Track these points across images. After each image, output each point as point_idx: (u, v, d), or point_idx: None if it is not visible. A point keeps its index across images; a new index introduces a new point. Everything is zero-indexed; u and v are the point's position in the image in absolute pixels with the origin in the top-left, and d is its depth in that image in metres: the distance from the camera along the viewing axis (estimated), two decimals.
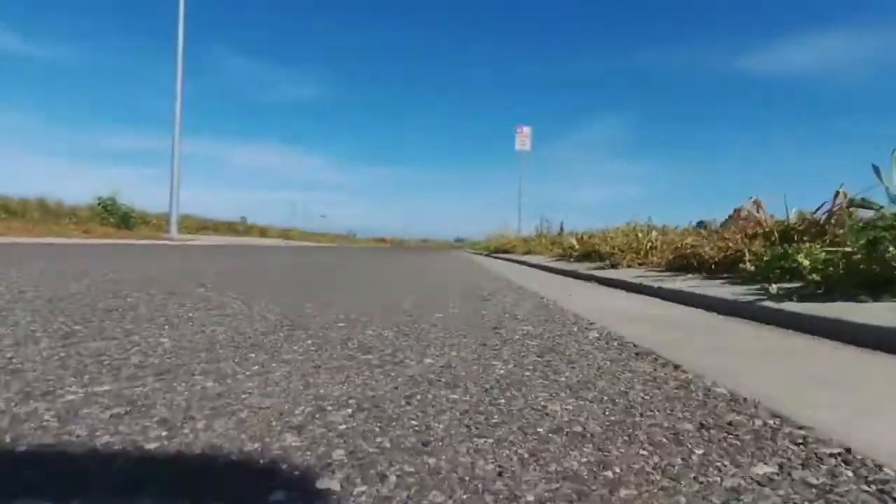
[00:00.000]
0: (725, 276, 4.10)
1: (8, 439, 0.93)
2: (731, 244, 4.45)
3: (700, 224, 7.10)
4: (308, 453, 0.93)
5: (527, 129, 18.74)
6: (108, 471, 0.83)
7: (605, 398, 1.33)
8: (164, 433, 0.98)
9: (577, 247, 8.17)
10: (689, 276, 4.59)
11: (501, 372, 1.56)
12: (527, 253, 12.52)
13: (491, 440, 1.03)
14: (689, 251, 5.12)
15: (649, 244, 6.83)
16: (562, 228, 12.68)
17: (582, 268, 6.93)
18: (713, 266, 4.50)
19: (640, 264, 6.58)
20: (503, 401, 1.28)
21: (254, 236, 28.15)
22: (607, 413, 1.21)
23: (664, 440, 1.06)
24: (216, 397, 1.21)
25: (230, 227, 28.02)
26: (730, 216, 5.87)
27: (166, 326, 2.03)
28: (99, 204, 18.54)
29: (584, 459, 0.96)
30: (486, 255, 16.26)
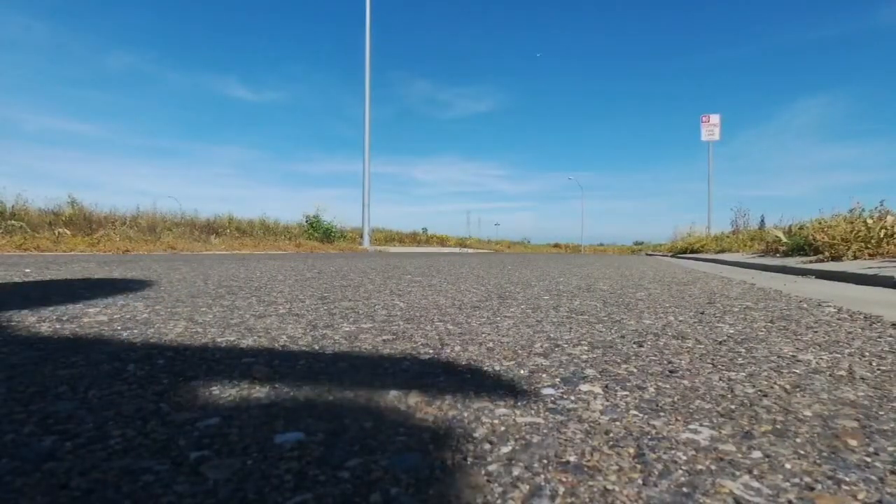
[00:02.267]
0: None
1: (317, 347, 1.16)
2: None
3: None
4: (561, 369, 1.01)
5: (715, 117, 17.00)
6: (399, 368, 1.00)
7: (868, 354, 1.20)
8: (430, 351, 1.15)
9: (784, 240, 7.21)
10: None
11: (730, 331, 1.49)
12: (721, 251, 11.38)
13: (742, 374, 1.00)
14: None
15: (883, 232, 5.79)
16: (762, 222, 11.30)
17: (793, 262, 6.11)
18: None
19: (870, 255, 5.62)
20: (743, 350, 1.22)
21: (434, 245, 29.96)
22: (875, 364, 1.10)
23: None
24: (460, 334, 1.36)
25: (413, 238, 30.23)
26: None
27: (395, 295, 2.31)
28: (306, 221, 21.22)
29: (861, 393, 0.89)
30: (672, 256, 15.12)
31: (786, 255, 6.98)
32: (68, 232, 10.51)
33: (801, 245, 6.50)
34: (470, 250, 28.03)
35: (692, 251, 14.81)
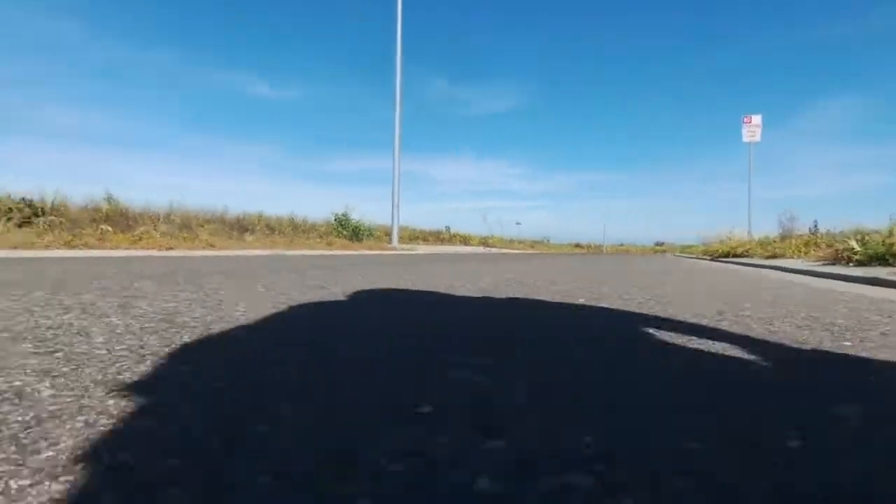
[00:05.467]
0: None
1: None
2: None
3: None
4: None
5: (757, 118, 16.54)
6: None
7: None
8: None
9: (857, 248, 6.88)
10: None
11: None
12: (770, 257, 11.00)
13: None
14: None
15: None
16: (816, 227, 10.91)
17: (883, 273, 5.78)
18: None
19: None
20: None
21: (457, 244, 29.76)
22: None
23: None
24: None
25: (436, 237, 30.04)
26: None
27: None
28: (335, 220, 21.18)
29: None
30: (711, 260, 14.75)
31: (861, 263, 6.64)
32: (110, 229, 10.50)
33: (882, 254, 6.17)
34: (494, 250, 27.80)
35: (734, 255, 14.42)
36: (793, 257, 10.01)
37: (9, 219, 9.82)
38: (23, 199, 10.99)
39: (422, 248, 21.05)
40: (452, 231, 34.13)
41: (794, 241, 10.90)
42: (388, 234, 22.18)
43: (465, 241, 32.04)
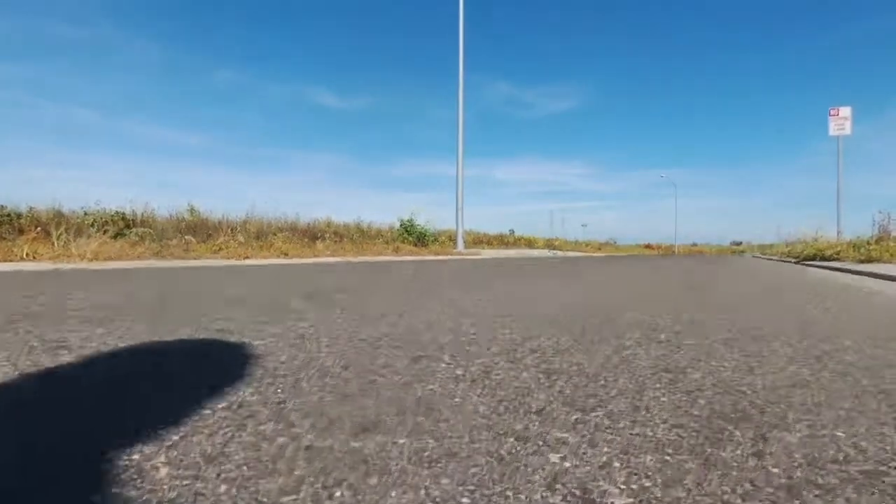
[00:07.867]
0: None
1: None
2: None
3: None
4: None
5: (845, 110, 15.17)
6: None
7: None
8: None
9: None
10: None
11: None
12: (865, 261, 10.01)
13: None
14: None
15: None
16: None
17: None
18: None
19: None
20: None
21: (522, 247, 29.37)
22: None
23: None
24: None
25: (500, 240, 29.69)
26: None
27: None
28: (401, 225, 21.46)
29: None
30: (796, 262, 13.68)
31: None
32: (194, 239, 11.06)
33: None
34: (560, 253, 27.18)
35: (823, 258, 13.29)
36: (890, 262, 9.07)
37: (105, 231, 10.52)
38: (116, 211, 11.81)
39: (487, 252, 20.90)
40: (517, 234, 33.68)
41: (892, 244, 9.86)
42: (453, 238, 22.26)
43: (530, 244, 31.50)
